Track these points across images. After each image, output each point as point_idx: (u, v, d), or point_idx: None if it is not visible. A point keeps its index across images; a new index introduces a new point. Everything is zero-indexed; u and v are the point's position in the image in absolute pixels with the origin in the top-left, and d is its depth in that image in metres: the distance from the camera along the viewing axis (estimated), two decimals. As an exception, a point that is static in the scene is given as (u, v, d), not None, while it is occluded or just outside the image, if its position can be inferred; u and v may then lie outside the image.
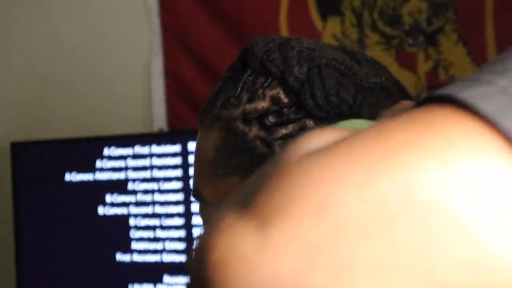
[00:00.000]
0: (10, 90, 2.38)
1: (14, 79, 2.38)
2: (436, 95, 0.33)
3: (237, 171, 0.66)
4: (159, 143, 1.96)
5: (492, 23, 1.90)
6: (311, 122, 0.64)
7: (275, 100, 0.65)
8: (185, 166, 1.93)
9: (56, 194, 2.07)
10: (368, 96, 0.65)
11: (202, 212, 0.71)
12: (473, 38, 1.93)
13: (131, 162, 1.98)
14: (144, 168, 1.96)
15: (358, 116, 0.63)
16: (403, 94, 0.69)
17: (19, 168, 2.10)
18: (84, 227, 2.04)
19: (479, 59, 1.92)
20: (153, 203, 1.95)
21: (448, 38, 1.95)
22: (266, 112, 0.65)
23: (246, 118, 0.66)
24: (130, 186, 1.98)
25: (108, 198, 2.00)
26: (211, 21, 2.17)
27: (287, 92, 0.65)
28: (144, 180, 1.96)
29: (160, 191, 1.95)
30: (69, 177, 2.04)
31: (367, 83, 0.66)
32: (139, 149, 1.97)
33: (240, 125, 0.66)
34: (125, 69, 2.27)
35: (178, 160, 1.94)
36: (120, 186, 1.98)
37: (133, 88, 2.26)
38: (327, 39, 2.03)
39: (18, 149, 2.11)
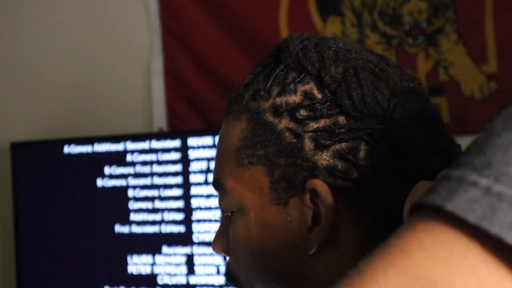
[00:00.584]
0: (10, 90, 2.38)
1: (14, 79, 2.38)
2: (426, 204, 0.36)
3: (262, 161, 0.67)
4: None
5: (492, 23, 1.90)
6: (343, 119, 0.66)
7: (307, 95, 0.67)
8: (183, 155, 1.94)
9: (55, 193, 2.07)
10: (401, 100, 0.66)
11: (221, 202, 0.72)
12: (473, 38, 1.93)
13: (130, 156, 1.99)
14: (143, 150, 1.97)
15: (392, 119, 0.65)
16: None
17: (19, 168, 2.10)
18: (84, 226, 2.04)
19: (479, 59, 1.92)
20: (152, 174, 1.96)
21: (448, 38, 1.95)
22: (298, 106, 0.66)
23: (276, 111, 0.67)
24: (129, 157, 1.99)
25: (107, 170, 2.01)
26: (211, 21, 2.17)
27: (320, 88, 0.67)
28: (143, 151, 1.97)
29: (159, 162, 1.96)
30: (69, 176, 2.05)
31: (401, 86, 0.68)
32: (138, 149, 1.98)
33: (270, 117, 0.67)
34: (125, 69, 2.27)
35: (177, 155, 1.94)
36: (118, 159, 2.00)
37: (133, 88, 2.26)
38: (327, 39, 2.03)
39: (18, 149, 2.11)
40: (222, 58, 2.14)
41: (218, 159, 0.72)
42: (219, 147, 0.72)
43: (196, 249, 1.92)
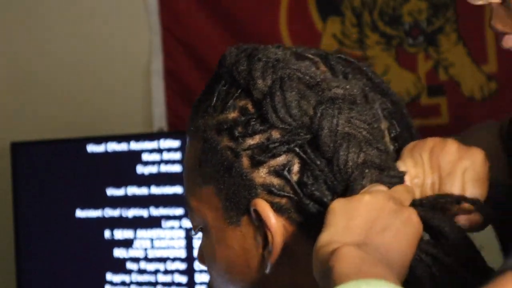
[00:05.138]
0: (10, 90, 2.38)
1: (14, 78, 2.38)
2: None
3: (211, 181, 0.67)
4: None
5: (492, 23, 1.90)
6: (276, 133, 0.64)
7: (243, 110, 0.66)
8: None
9: (56, 194, 2.07)
10: (328, 107, 0.64)
11: (190, 220, 0.72)
12: (473, 38, 1.93)
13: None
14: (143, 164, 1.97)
15: (319, 127, 0.63)
16: (384, 95, 0.68)
17: (19, 168, 2.10)
18: (84, 228, 2.04)
19: (479, 59, 1.92)
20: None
21: (448, 38, 1.95)
22: (235, 123, 0.65)
23: (219, 128, 0.66)
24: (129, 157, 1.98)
25: (106, 170, 2.00)
26: (211, 21, 2.17)
27: (253, 103, 0.66)
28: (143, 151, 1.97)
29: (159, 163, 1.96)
30: (69, 177, 2.05)
31: (330, 93, 0.64)
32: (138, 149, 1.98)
33: (214, 135, 0.66)
34: (125, 69, 2.27)
35: (178, 155, 1.94)
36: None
37: (133, 88, 2.26)
38: (327, 39, 2.03)
39: (18, 149, 2.10)
40: (222, 58, 2.14)
41: (183, 178, 0.72)
42: (183, 166, 0.73)
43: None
